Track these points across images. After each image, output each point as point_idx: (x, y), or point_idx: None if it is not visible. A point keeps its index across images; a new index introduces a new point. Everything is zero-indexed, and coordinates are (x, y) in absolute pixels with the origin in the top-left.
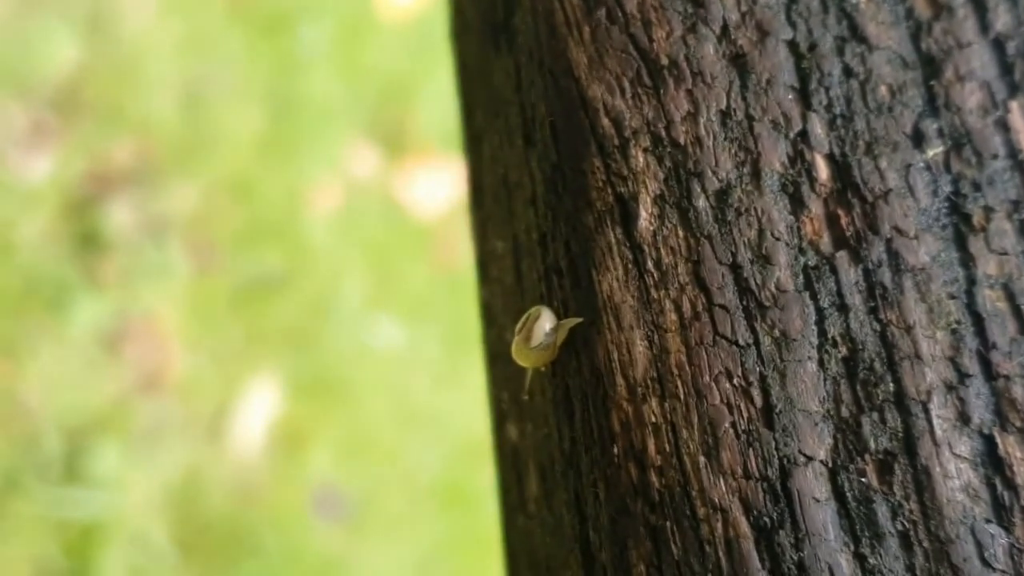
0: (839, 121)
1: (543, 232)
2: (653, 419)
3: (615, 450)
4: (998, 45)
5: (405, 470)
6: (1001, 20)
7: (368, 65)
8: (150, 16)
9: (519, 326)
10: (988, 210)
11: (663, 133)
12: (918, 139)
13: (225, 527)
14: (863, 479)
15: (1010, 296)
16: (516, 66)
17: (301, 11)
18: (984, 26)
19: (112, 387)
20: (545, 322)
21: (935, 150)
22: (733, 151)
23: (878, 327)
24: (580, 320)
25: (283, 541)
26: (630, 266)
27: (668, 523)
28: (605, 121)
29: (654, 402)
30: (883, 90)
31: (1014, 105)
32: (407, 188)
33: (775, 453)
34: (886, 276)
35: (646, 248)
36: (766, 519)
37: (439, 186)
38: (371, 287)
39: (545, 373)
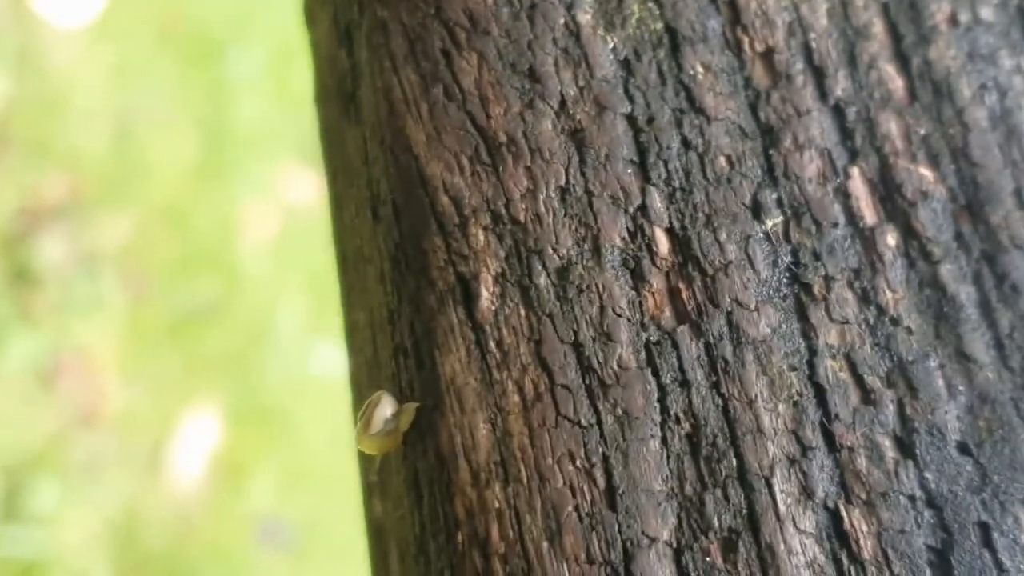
0: (678, 194)
1: (391, 310)
2: (497, 504)
3: (459, 538)
4: (838, 111)
5: (348, 498)
6: (840, 86)
7: (300, 90)
8: (79, 47)
9: (360, 412)
10: (829, 279)
11: (503, 211)
12: (757, 210)
13: (166, 561)
14: (708, 558)
15: (852, 366)
16: (363, 139)
17: (231, 38)
18: (823, 92)
19: (49, 423)
20: (386, 408)
21: (774, 220)
22: (573, 227)
23: (720, 402)
24: (418, 405)
25: (225, 574)
26: (472, 347)
27: None
28: (444, 199)
29: (497, 487)
30: (722, 161)
31: (855, 171)
32: None
33: (618, 536)
34: (727, 350)
35: (488, 328)
36: None
37: None
38: (309, 313)
39: (398, 454)
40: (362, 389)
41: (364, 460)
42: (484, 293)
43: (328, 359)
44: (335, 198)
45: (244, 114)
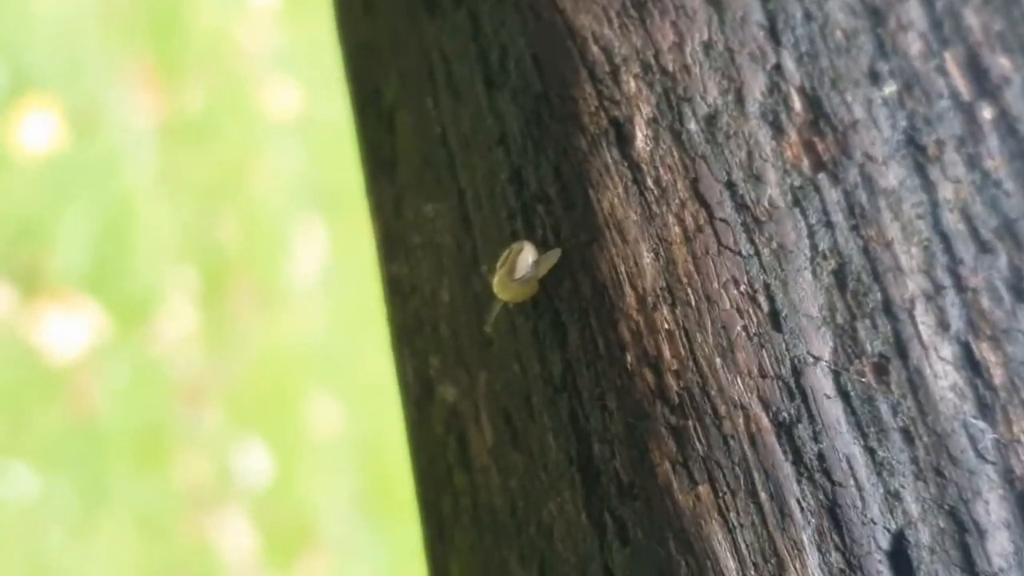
0: (806, 59)
1: (517, 168)
2: (666, 325)
3: (628, 359)
4: (928, 3)
5: None
6: None
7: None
8: None
9: (501, 261)
10: (940, 143)
11: (652, 61)
12: (874, 77)
13: None
14: (863, 379)
15: (968, 219)
16: (472, 16)
17: None
18: None
19: None
20: (528, 255)
21: (890, 88)
22: (718, 79)
23: (861, 242)
24: (559, 255)
25: None
26: (630, 184)
27: (691, 422)
28: (595, 48)
29: (665, 310)
30: (839, 33)
31: (947, 56)
32: (39, 331)
33: (786, 353)
34: (863, 197)
35: (644, 167)
36: (785, 414)
37: (73, 329)
38: (2, 433)
39: (512, 313)
40: (419, 285)
41: (421, 357)
42: (639, 135)
43: (20, 482)
44: (379, 113)
45: None
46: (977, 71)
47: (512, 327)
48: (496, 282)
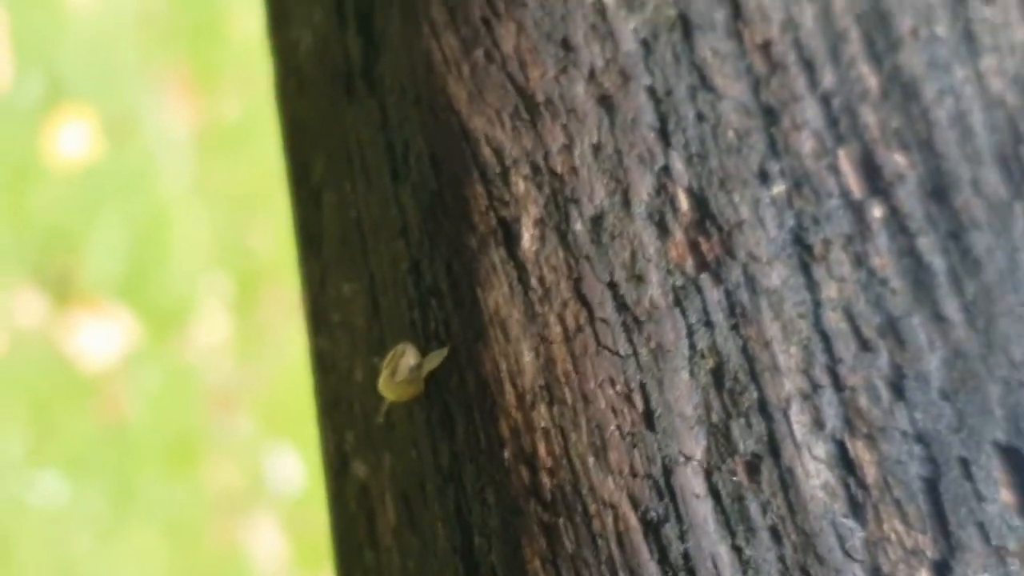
0: (695, 159)
1: (416, 260)
2: (543, 423)
3: (505, 455)
4: (825, 100)
5: None
6: (827, 79)
7: (34, 212)
8: None
9: (386, 362)
10: (827, 242)
11: (541, 162)
12: (764, 177)
13: None
14: (735, 478)
15: (850, 318)
16: (381, 107)
17: None
18: (813, 83)
19: None
20: (409, 358)
21: (779, 188)
22: (605, 181)
23: (740, 342)
24: (444, 355)
25: None
26: (515, 283)
27: (561, 520)
28: (487, 150)
29: (543, 408)
30: (731, 134)
31: (841, 153)
32: (72, 339)
33: (657, 453)
34: (744, 296)
35: (529, 267)
36: (653, 514)
37: (105, 337)
38: (33, 440)
39: (411, 403)
40: (337, 361)
41: (338, 431)
42: (526, 235)
43: (50, 489)
44: (309, 188)
45: None
46: (870, 168)
47: (410, 414)
48: (381, 382)
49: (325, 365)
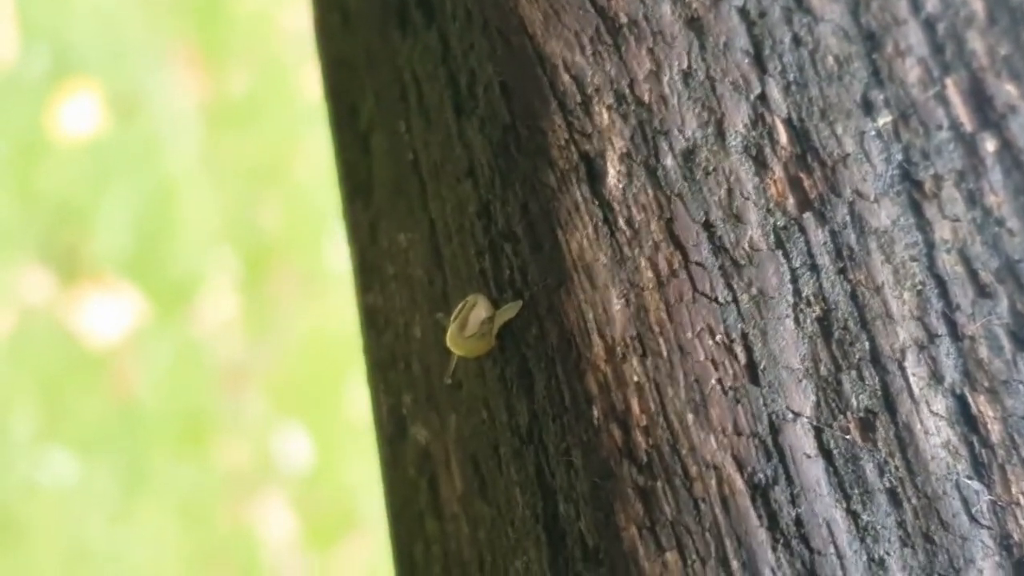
0: (794, 87)
1: (486, 203)
2: (635, 378)
3: (594, 413)
4: (929, 25)
5: None
6: (930, 2)
7: (41, 188)
8: None
9: (454, 315)
10: (938, 178)
11: (627, 91)
12: (868, 107)
13: None
14: (847, 436)
15: (966, 260)
16: (441, 37)
17: None
18: (916, 6)
19: None
20: (480, 311)
21: (884, 119)
22: (697, 111)
23: (848, 287)
24: (519, 306)
25: None
26: (600, 224)
27: (659, 483)
28: (565, 78)
29: (635, 360)
30: (831, 60)
31: (948, 82)
32: (79, 315)
33: (763, 409)
34: (851, 238)
35: (616, 206)
36: (760, 475)
37: (113, 314)
38: (42, 419)
39: (481, 359)
40: (393, 317)
41: (394, 393)
42: (611, 171)
43: (60, 467)
44: (355, 133)
45: None
46: (980, 99)
47: (480, 371)
48: (448, 336)
49: (377, 323)
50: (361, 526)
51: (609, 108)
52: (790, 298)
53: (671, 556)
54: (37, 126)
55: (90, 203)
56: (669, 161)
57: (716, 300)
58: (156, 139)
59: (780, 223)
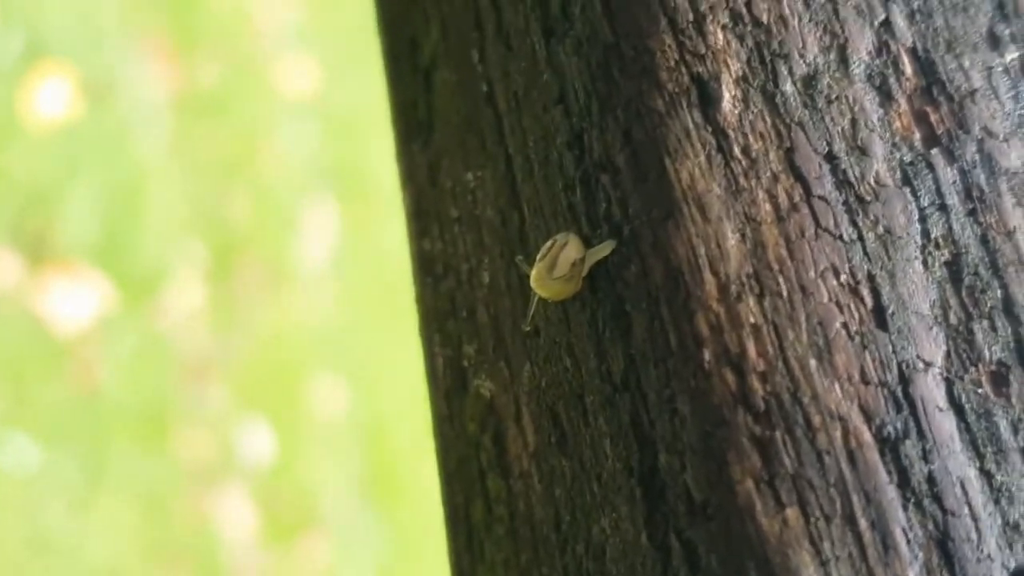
0: (918, 16)
1: (578, 132)
2: (752, 319)
3: (704, 356)
4: None
5: None
6: None
7: (10, 173)
8: None
9: (541, 254)
10: None
11: (743, 10)
12: (994, 42)
13: None
14: (980, 390)
15: None
16: None
17: None
18: None
19: None
20: (572, 251)
21: (1011, 55)
22: (818, 34)
23: (979, 230)
24: (614, 246)
25: None
26: (713, 152)
27: (778, 433)
28: None
29: (751, 300)
30: None
31: None
32: (46, 301)
33: (892, 357)
34: (981, 178)
35: (731, 133)
36: (890, 428)
37: (79, 301)
38: (5, 404)
39: (566, 302)
40: (453, 263)
41: (453, 344)
42: (726, 95)
43: (21, 454)
44: (423, 63)
45: None
46: None
47: (564, 316)
48: (533, 276)
49: (434, 270)
50: (321, 523)
51: (724, 28)
52: (918, 239)
53: (791, 512)
54: (8, 109)
55: (59, 188)
56: (788, 87)
57: (840, 237)
58: (127, 127)
59: (907, 158)
